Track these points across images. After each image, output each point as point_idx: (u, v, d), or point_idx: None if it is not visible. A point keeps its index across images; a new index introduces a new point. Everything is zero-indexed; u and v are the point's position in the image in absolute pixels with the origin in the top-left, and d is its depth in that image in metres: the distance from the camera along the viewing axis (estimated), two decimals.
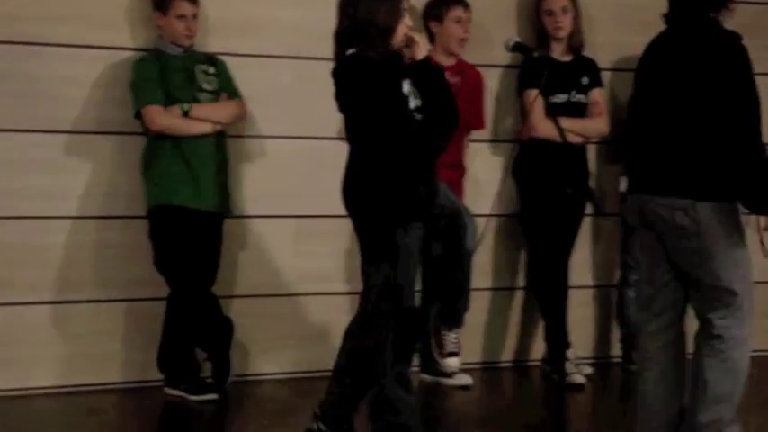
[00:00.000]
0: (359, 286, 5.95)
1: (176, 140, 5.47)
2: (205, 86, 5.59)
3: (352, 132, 4.49)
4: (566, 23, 6.09)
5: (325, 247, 6.07)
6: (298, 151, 6.02)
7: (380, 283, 4.44)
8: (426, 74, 4.44)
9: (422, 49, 4.44)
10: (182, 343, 5.58)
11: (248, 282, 5.96)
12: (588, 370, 6.22)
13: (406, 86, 4.45)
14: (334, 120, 5.98)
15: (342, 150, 5.98)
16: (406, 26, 4.41)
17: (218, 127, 5.57)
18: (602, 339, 6.62)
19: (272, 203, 5.99)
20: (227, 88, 5.64)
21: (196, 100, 5.53)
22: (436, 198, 4.59)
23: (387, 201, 4.43)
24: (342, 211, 6.00)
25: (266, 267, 5.99)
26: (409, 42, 4.42)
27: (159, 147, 5.49)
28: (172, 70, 5.52)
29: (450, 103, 4.47)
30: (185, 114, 5.47)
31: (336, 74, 4.46)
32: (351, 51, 4.40)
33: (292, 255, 6.04)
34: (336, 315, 6.05)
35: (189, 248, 5.49)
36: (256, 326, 5.97)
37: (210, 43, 5.81)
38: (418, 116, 4.45)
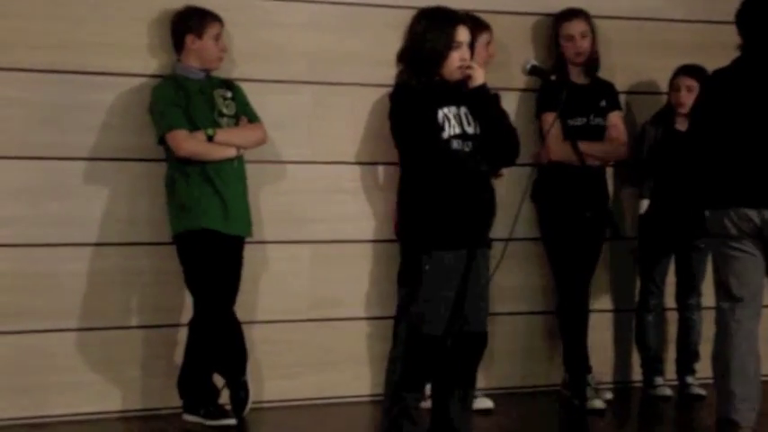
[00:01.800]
0: (377, 312, 6.01)
1: (201, 165, 5.46)
2: (225, 111, 5.60)
3: (399, 155, 4.64)
4: (585, 48, 6.09)
5: (343, 273, 6.06)
6: (316, 176, 6.03)
7: (399, 306, 4.59)
8: (482, 100, 4.54)
9: (478, 77, 4.52)
10: (202, 368, 5.57)
11: (266, 307, 5.95)
12: (608, 395, 6.18)
13: (443, 113, 4.52)
14: (351, 145, 6.05)
15: (359, 174, 6.07)
16: (459, 57, 4.50)
17: (242, 151, 5.58)
18: (623, 364, 6.58)
19: (289, 228, 5.98)
20: (245, 112, 5.66)
21: (217, 124, 5.53)
22: (482, 226, 4.62)
23: (414, 226, 4.56)
24: (359, 236, 6.07)
25: (283, 293, 5.98)
26: (467, 71, 4.51)
27: (184, 172, 5.48)
28: (192, 95, 5.53)
29: (506, 129, 4.59)
30: (210, 139, 5.47)
31: (390, 98, 4.63)
32: (400, 78, 4.56)
33: (309, 280, 6.03)
34: (355, 341, 6.07)
35: (217, 272, 5.49)
36: (274, 351, 5.95)
37: (230, 69, 5.82)
38: (459, 143, 4.51)
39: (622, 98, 6.34)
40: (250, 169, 5.79)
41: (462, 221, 4.54)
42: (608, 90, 6.21)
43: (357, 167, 6.09)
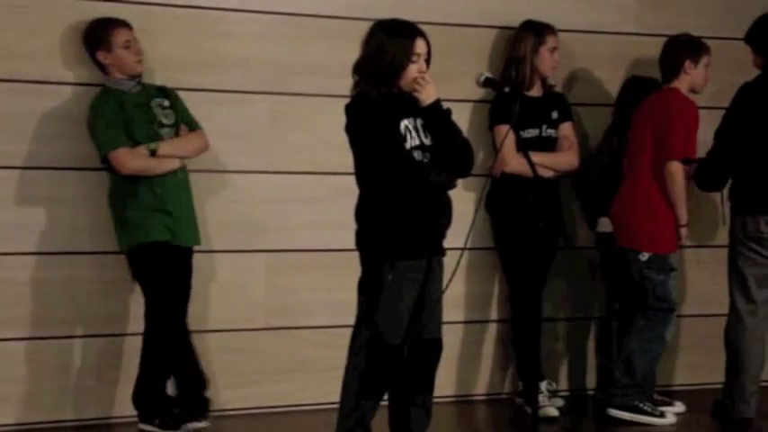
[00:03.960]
0: (333, 320, 6.03)
1: (146, 179, 5.44)
2: (164, 121, 5.55)
3: (356, 167, 4.63)
4: (559, 60, 6.18)
5: (299, 282, 6.08)
6: (272, 186, 6.04)
7: (360, 315, 4.61)
8: (433, 116, 4.56)
9: (429, 93, 4.54)
10: (157, 378, 5.57)
11: (222, 316, 5.96)
12: (561, 402, 6.23)
13: (405, 124, 4.56)
14: (307, 154, 6.07)
15: (316, 184, 6.10)
16: (416, 70, 4.52)
17: (186, 162, 5.56)
18: (576, 372, 6.65)
19: (246, 238, 6.00)
20: (185, 119, 5.61)
21: (158, 136, 5.49)
22: (440, 236, 4.67)
23: (375, 236, 4.59)
24: (315, 245, 6.09)
25: (240, 302, 5.99)
26: (416, 86, 4.53)
27: (130, 188, 5.45)
28: (130, 108, 5.47)
29: (459, 143, 4.61)
30: (153, 154, 5.44)
31: (346, 110, 4.61)
32: (357, 89, 4.57)
33: (265, 289, 6.04)
34: (310, 350, 6.09)
35: (170, 282, 5.49)
36: (230, 360, 5.96)
37: (186, 79, 5.82)
38: (420, 153, 4.55)
39: (575, 110, 6.41)
40: (206, 179, 5.82)
41: (423, 231, 4.59)
42: (560, 101, 6.28)
43: (313, 177, 6.12)
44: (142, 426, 5.58)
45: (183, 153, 5.55)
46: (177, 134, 5.57)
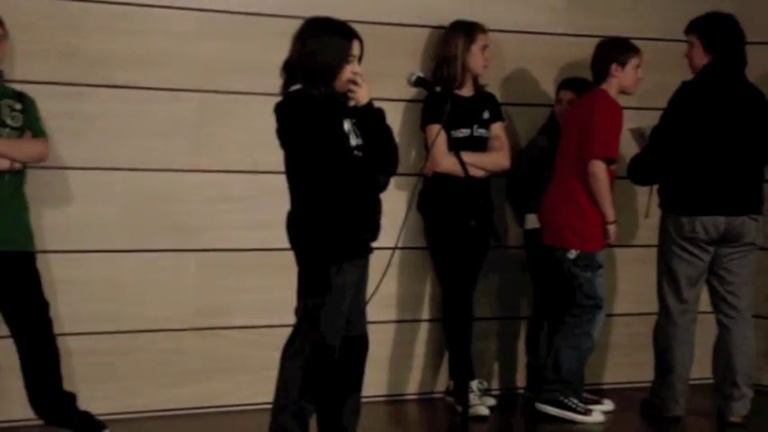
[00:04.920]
0: (264, 320, 6.01)
1: None
2: (9, 122, 5.36)
3: (292, 169, 4.57)
4: (489, 59, 6.20)
5: (229, 282, 6.04)
6: (202, 184, 6.00)
7: (302, 317, 4.56)
8: (368, 117, 4.54)
9: (364, 95, 4.53)
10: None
11: (152, 316, 5.91)
12: (492, 401, 6.26)
13: (347, 125, 4.55)
14: (238, 153, 6.04)
15: (247, 184, 6.07)
16: (351, 71, 4.50)
17: (17, 165, 5.33)
18: (506, 370, 6.68)
19: (176, 237, 5.95)
20: (32, 127, 5.42)
21: None
22: (376, 236, 4.67)
23: (322, 238, 4.54)
24: (246, 244, 6.06)
25: (169, 301, 5.94)
26: (352, 86, 4.51)
27: None
28: None
29: (390, 145, 4.60)
30: None
31: (278, 109, 4.55)
32: (294, 88, 4.51)
33: (195, 289, 6.00)
34: (240, 350, 6.06)
35: None
36: (160, 360, 5.92)
37: (116, 76, 5.78)
38: (358, 154, 4.55)
39: (506, 110, 6.44)
40: (135, 178, 5.78)
41: (366, 231, 4.61)
42: (490, 101, 6.30)
43: (244, 176, 6.09)
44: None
45: (17, 155, 5.32)
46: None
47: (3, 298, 5.36)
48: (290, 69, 4.58)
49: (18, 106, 5.41)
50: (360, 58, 4.59)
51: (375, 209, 4.65)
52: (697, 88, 5.83)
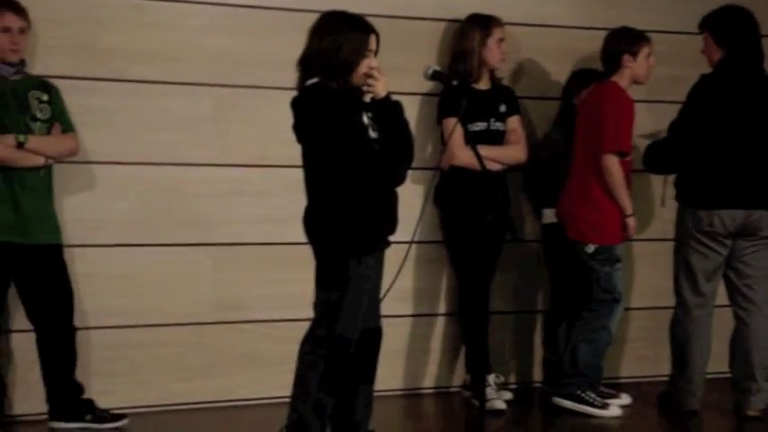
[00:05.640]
0: (280, 314, 6.01)
1: (4, 171, 5.31)
2: (39, 115, 5.43)
3: (311, 162, 4.57)
4: (506, 52, 6.18)
5: (246, 276, 6.05)
6: (218, 179, 6.01)
7: (321, 311, 4.58)
8: (386, 110, 4.55)
9: (382, 87, 4.54)
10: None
11: (169, 310, 5.91)
12: (509, 395, 6.26)
13: (365, 118, 4.56)
14: (254, 147, 6.05)
15: (263, 178, 6.07)
16: (368, 65, 4.51)
17: (51, 162, 5.43)
18: (523, 365, 6.67)
19: (192, 231, 5.96)
20: (60, 119, 5.50)
21: (29, 128, 5.38)
22: (394, 229, 4.67)
23: (341, 231, 4.54)
24: (263, 239, 6.07)
25: (187, 296, 5.95)
26: (370, 80, 4.52)
27: None
28: (4, 94, 5.36)
29: (407, 138, 4.60)
30: (20, 146, 5.31)
31: (296, 104, 4.55)
32: (312, 81, 4.52)
33: (212, 283, 6.01)
34: (258, 344, 6.07)
35: (4, 287, 5.39)
36: (178, 354, 5.93)
37: (131, 71, 5.79)
38: (376, 147, 4.55)
39: (522, 103, 6.42)
40: (150, 172, 5.79)
41: (384, 224, 4.61)
42: (507, 95, 6.28)
43: (260, 170, 6.09)
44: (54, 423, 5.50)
45: (50, 152, 5.42)
46: (49, 131, 5.45)
47: (31, 289, 5.40)
48: (307, 64, 4.58)
49: (45, 97, 5.47)
50: (376, 52, 4.59)
51: (392, 202, 4.65)
52: (714, 82, 5.81)
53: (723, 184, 5.73)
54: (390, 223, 4.66)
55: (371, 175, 4.52)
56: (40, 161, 5.38)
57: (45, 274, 5.43)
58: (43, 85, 5.51)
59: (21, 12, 5.41)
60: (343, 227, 4.53)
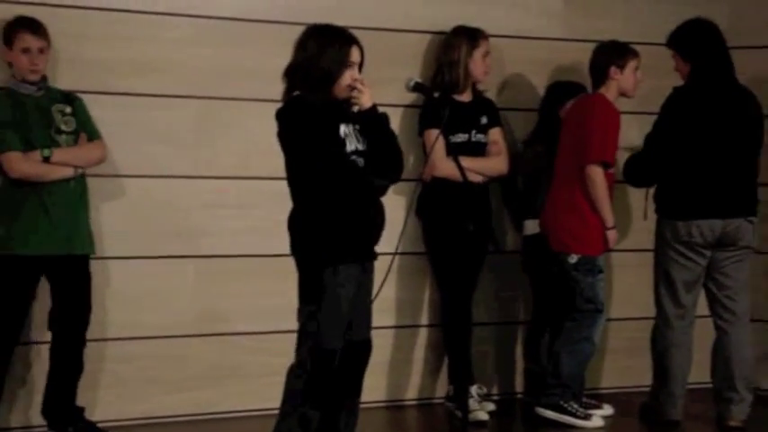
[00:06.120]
0: (263, 326, 6.01)
1: (34, 185, 5.34)
2: (63, 128, 5.46)
3: (290, 172, 4.60)
4: (490, 66, 6.21)
5: (228, 288, 6.04)
6: (201, 191, 6.01)
7: (303, 323, 4.58)
8: (372, 122, 4.58)
9: (367, 99, 4.56)
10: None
11: (151, 322, 5.90)
12: (491, 406, 6.26)
13: (344, 129, 4.57)
14: (236, 159, 6.05)
15: (245, 190, 6.07)
16: (351, 76, 4.54)
17: (80, 171, 5.47)
18: (506, 376, 6.68)
19: (174, 243, 5.95)
20: (85, 128, 5.53)
21: (54, 142, 5.41)
22: (377, 240, 4.68)
23: (316, 241, 4.56)
24: (244, 250, 6.06)
25: (168, 308, 5.94)
26: (354, 92, 4.55)
27: (15, 191, 5.36)
28: (28, 111, 5.39)
29: (394, 149, 4.64)
30: (46, 160, 5.35)
31: (278, 115, 4.58)
32: (295, 93, 4.56)
33: (194, 295, 6.00)
34: (241, 356, 6.06)
35: (27, 299, 5.42)
36: (159, 367, 5.92)
37: (113, 83, 5.78)
38: (357, 158, 4.57)
39: (504, 114, 6.44)
40: (132, 184, 5.78)
41: (362, 234, 4.61)
42: (488, 107, 6.30)
43: (241, 182, 6.09)
44: None
45: (78, 162, 5.45)
46: (76, 142, 5.49)
47: (57, 297, 5.44)
48: (291, 75, 4.60)
49: (68, 110, 5.50)
50: (361, 64, 4.61)
51: (372, 213, 4.65)
52: (687, 93, 5.84)
53: (700, 194, 5.76)
54: (371, 233, 4.65)
55: (346, 187, 4.54)
56: (69, 172, 5.41)
57: (71, 284, 5.46)
58: (66, 97, 5.54)
59: (40, 31, 5.44)
60: (318, 236, 4.55)
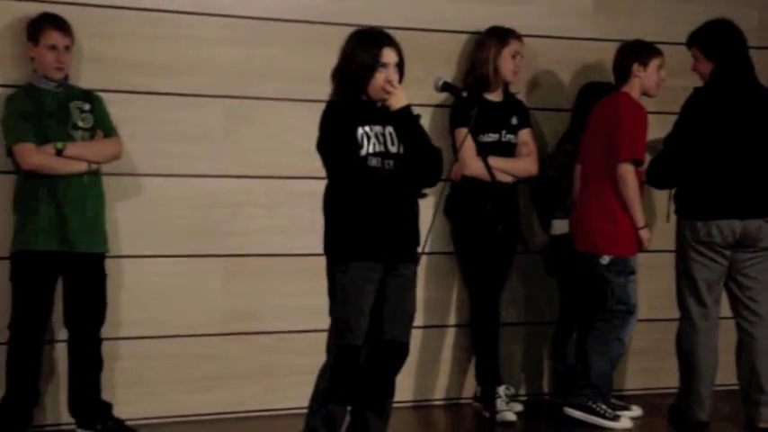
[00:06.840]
0: (290, 325, 6.01)
1: (48, 180, 5.34)
2: (80, 124, 5.47)
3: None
4: (521, 66, 6.20)
5: (255, 287, 6.05)
6: (228, 190, 6.01)
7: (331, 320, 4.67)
8: (403, 123, 4.62)
9: (396, 100, 4.60)
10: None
11: (178, 321, 5.90)
12: (519, 407, 6.25)
13: (363, 131, 4.61)
14: (265, 158, 6.05)
15: (272, 189, 6.07)
16: (384, 78, 4.59)
17: (94, 166, 5.46)
18: (533, 376, 6.66)
19: (202, 242, 5.96)
20: (102, 125, 5.54)
21: (70, 138, 5.41)
22: (400, 241, 4.69)
23: (330, 238, 4.67)
24: (271, 249, 6.07)
25: (196, 307, 5.94)
26: (386, 93, 4.59)
27: (30, 187, 5.36)
28: (46, 106, 5.40)
29: (428, 149, 4.68)
30: (59, 153, 5.35)
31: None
32: (330, 96, 4.67)
33: (222, 294, 6.00)
34: (268, 355, 6.06)
35: (49, 295, 5.41)
36: (186, 365, 5.92)
37: (141, 82, 5.79)
38: (376, 161, 4.61)
39: (533, 114, 6.42)
40: (161, 183, 5.79)
41: (378, 235, 4.62)
42: (519, 107, 6.29)
43: (270, 181, 6.09)
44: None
45: (92, 157, 5.44)
46: (92, 138, 5.50)
47: (72, 295, 5.44)
48: (333, 78, 4.70)
49: (87, 107, 5.51)
50: (401, 66, 4.65)
51: (390, 213, 4.65)
52: (708, 94, 5.83)
53: (719, 194, 5.73)
54: (388, 234, 4.65)
55: (355, 186, 4.59)
56: (83, 167, 5.41)
57: (85, 282, 5.46)
58: (85, 94, 5.55)
59: (66, 29, 5.45)
60: (332, 233, 4.66)
